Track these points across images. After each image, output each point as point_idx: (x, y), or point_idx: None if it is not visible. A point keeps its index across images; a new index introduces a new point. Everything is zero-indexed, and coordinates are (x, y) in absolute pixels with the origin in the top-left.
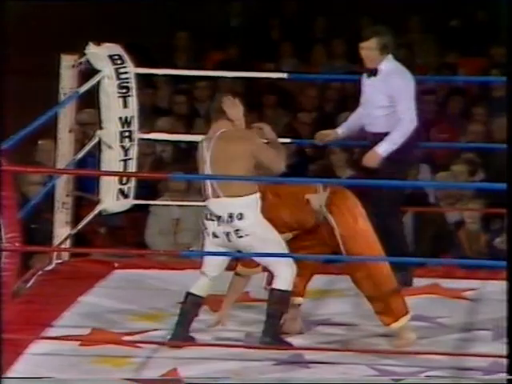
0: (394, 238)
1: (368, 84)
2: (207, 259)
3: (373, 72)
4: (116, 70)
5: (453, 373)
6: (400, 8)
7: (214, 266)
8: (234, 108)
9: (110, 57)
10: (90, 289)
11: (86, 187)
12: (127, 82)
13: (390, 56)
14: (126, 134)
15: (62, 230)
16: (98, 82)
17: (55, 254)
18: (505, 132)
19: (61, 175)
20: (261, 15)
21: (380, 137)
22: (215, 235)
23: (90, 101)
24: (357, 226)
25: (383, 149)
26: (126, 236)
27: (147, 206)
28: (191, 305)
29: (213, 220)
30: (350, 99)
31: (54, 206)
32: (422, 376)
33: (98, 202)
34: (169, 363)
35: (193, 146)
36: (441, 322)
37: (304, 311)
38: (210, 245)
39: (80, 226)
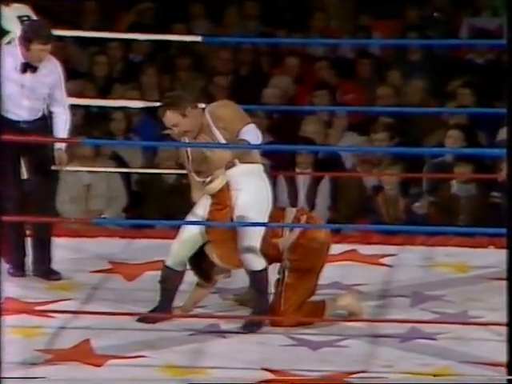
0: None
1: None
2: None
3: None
4: None
5: (370, 340)
6: None
7: None
8: None
9: (20, 18)
10: (1, 257)
11: None
12: None
13: None
14: None
15: None
16: (9, 43)
17: None
18: (419, 94)
19: None
20: None
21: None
22: None
23: None
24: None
25: None
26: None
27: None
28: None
29: None
30: (264, 61)
31: None
32: (340, 344)
33: None
34: (81, 334)
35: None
36: (358, 288)
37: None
38: None
39: None
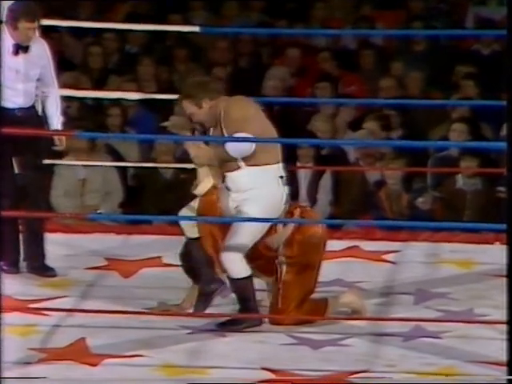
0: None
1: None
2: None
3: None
4: None
5: (373, 339)
6: None
7: None
8: None
9: None
10: None
11: None
12: None
13: None
14: None
15: None
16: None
17: None
18: (422, 86)
19: None
20: None
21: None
22: None
23: None
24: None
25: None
26: None
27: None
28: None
29: None
30: (264, 52)
31: None
32: (342, 343)
33: None
34: (77, 332)
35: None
36: (360, 286)
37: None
38: None
39: None
